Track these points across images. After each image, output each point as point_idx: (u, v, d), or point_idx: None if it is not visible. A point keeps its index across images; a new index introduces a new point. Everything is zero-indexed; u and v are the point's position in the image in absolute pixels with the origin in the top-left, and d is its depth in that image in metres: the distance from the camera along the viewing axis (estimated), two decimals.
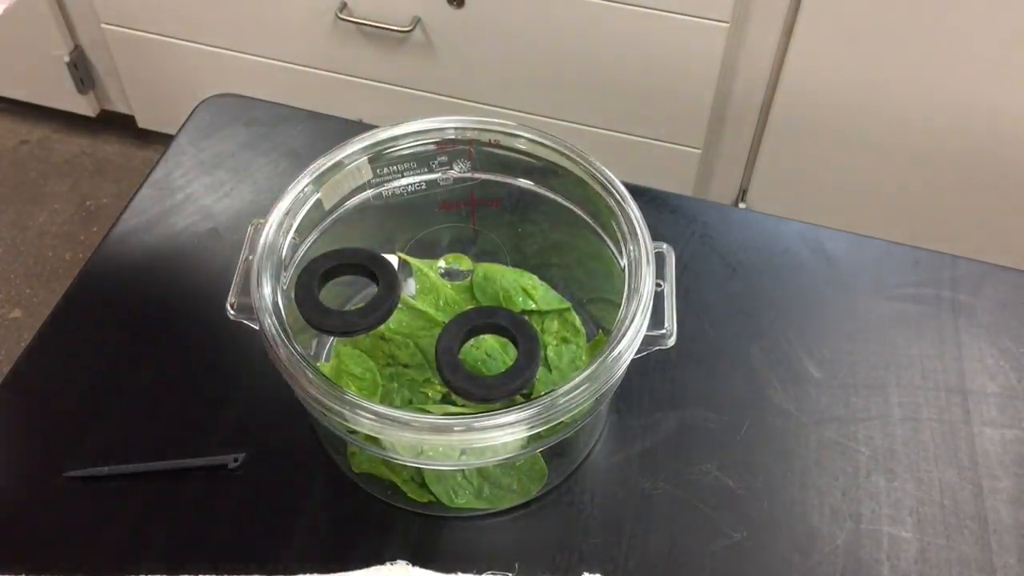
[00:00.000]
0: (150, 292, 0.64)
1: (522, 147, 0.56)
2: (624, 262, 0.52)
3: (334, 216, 0.55)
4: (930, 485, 0.56)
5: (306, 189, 0.52)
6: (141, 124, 1.61)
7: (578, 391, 0.46)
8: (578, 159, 0.55)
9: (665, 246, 0.53)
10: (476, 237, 0.60)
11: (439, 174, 0.57)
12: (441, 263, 0.56)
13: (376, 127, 0.56)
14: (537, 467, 0.54)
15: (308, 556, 0.52)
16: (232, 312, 0.50)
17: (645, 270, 0.50)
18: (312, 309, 0.48)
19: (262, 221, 0.51)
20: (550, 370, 0.55)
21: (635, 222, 0.52)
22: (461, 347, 0.47)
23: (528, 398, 0.46)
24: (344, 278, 0.51)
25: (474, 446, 0.46)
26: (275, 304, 0.49)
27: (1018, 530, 0.54)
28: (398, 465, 0.52)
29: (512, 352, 0.48)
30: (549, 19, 1.19)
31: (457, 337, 0.47)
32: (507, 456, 0.49)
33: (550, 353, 0.55)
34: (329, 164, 0.53)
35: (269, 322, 0.48)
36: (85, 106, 1.60)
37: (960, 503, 0.56)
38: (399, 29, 1.25)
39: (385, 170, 0.56)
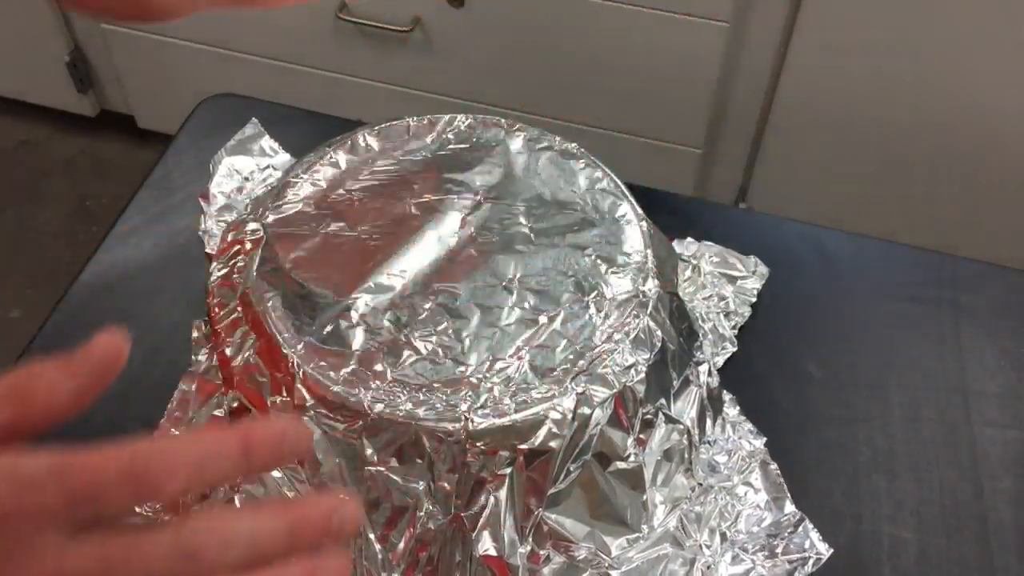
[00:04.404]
0: (150, 292, 0.64)
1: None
2: None
3: None
4: (931, 485, 0.56)
5: None
6: (141, 124, 1.61)
7: None
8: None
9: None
10: None
11: None
12: None
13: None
14: None
15: None
16: None
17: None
18: None
19: None
20: None
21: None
22: None
23: None
24: None
25: None
26: None
27: (1019, 530, 0.54)
28: None
29: None
30: (549, 19, 1.19)
31: None
32: None
33: None
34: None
35: None
36: (85, 106, 1.60)
37: (961, 503, 0.56)
38: (399, 29, 1.25)
39: None
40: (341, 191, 0.52)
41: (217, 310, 0.48)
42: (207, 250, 0.57)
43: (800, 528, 0.52)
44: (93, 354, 0.35)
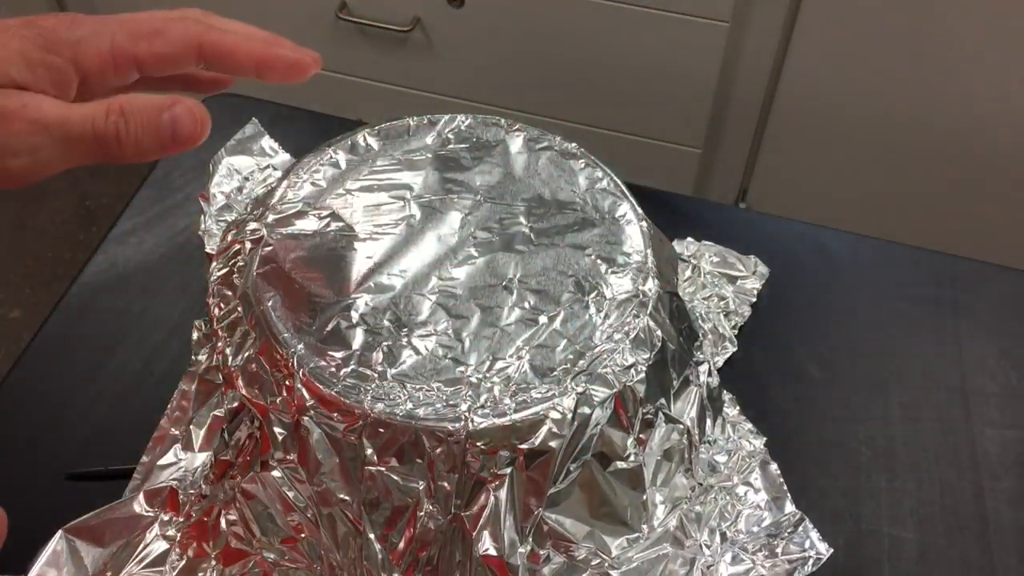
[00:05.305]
0: (150, 292, 0.64)
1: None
2: None
3: None
4: (930, 485, 0.56)
5: None
6: None
7: None
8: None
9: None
10: None
11: None
12: None
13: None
14: None
15: None
16: None
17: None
18: None
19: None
20: None
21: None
22: None
23: None
24: None
25: None
26: None
27: (1019, 530, 0.54)
28: None
29: None
30: (549, 19, 1.19)
31: None
32: None
33: None
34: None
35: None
36: None
37: (960, 503, 0.56)
38: (399, 29, 1.25)
39: None
40: (341, 191, 0.52)
41: (217, 310, 0.48)
42: (207, 250, 0.57)
43: (800, 528, 0.52)
44: None
